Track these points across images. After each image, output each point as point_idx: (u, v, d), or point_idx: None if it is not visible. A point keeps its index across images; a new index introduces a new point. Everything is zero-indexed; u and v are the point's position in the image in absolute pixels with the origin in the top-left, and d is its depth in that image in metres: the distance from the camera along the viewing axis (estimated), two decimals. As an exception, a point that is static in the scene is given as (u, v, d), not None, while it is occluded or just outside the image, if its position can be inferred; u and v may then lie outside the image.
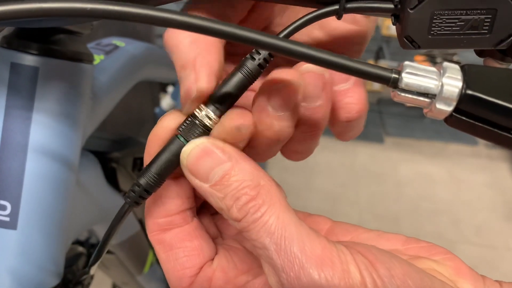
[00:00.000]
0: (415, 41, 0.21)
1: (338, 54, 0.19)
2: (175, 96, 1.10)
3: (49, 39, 0.34)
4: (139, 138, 0.57)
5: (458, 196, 1.90)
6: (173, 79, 0.90)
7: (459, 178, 2.00)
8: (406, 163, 2.07)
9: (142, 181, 0.24)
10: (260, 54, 0.23)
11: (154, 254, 0.77)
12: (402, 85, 0.18)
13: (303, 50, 0.19)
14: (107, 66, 0.45)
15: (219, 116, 0.23)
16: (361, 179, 1.95)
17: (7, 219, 0.33)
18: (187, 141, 0.23)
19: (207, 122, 0.23)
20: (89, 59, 0.37)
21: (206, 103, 0.24)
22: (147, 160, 0.24)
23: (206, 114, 0.23)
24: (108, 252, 0.57)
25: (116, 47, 0.49)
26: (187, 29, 0.19)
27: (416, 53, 2.00)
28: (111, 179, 0.49)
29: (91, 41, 0.54)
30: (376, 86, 2.12)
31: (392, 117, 2.33)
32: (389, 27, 1.89)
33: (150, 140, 0.24)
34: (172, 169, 0.24)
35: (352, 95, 0.24)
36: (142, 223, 0.62)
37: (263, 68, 0.24)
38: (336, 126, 0.26)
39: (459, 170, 2.05)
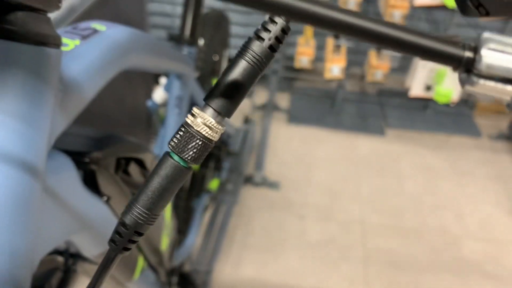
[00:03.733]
0: (483, 5, 0.15)
1: (382, 21, 0.13)
2: (168, 88, 1.03)
3: (4, 17, 0.28)
4: (124, 135, 0.50)
5: (462, 189, 1.85)
6: (164, 69, 0.84)
7: (462, 171, 1.95)
8: (407, 156, 2.02)
9: (128, 219, 0.18)
10: (269, 31, 0.17)
11: (145, 259, 0.71)
12: (482, 67, 0.12)
13: (341, 17, 0.13)
14: (82, 53, 0.38)
15: (221, 123, 0.17)
16: (361, 173, 1.90)
17: (-45, 238, 0.27)
18: (184, 161, 0.17)
19: (206, 132, 0.17)
20: (55, 42, 0.30)
21: (203, 106, 0.17)
22: None
23: (203, 121, 0.17)
24: (92, 262, 0.51)
25: (95, 31, 0.43)
26: None
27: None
28: (91, 182, 0.43)
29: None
30: (378, 76, 2.06)
31: (393, 108, 2.27)
32: (392, 15, 1.81)
33: None
34: (167, 199, 0.18)
35: None
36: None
37: (276, 51, 0.17)
38: None
39: (462, 163, 2.00)
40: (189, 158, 0.18)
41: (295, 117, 2.17)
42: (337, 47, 2.04)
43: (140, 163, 0.52)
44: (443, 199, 1.79)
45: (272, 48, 0.17)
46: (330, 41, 2.06)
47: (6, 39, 0.27)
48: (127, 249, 0.18)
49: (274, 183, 1.77)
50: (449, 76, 1.90)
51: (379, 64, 2.03)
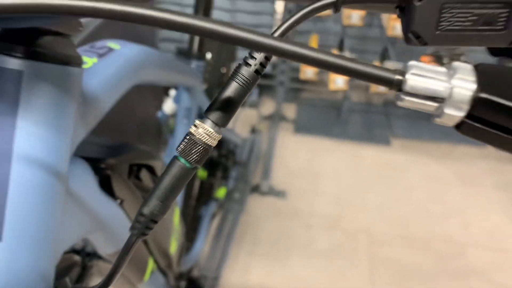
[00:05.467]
0: (421, 36, 0.19)
1: (335, 54, 0.17)
2: (178, 99, 1.08)
3: (34, 41, 0.32)
4: (136, 144, 0.55)
5: (468, 199, 1.86)
6: (173, 83, 0.88)
7: (468, 181, 1.96)
8: (413, 166, 2.03)
9: (146, 210, 0.23)
10: (255, 58, 0.21)
11: (155, 262, 0.75)
12: (407, 88, 0.16)
13: (299, 50, 0.18)
14: (100, 70, 0.43)
15: (219, 132, 0.22)
16: (368, 182, 1.92)
17: (-9, 231, 0.31)
18: (189, 163, 0.22)
19: (206, 140, 0.22)
20: (77, 62, 0.35)
21: (202, 118, 0.22)
22: None
23: (204, 131, 0.22)
24: (105, 261, 0.55)
25: (110, 49, 0.48)
26: (166, 27, 0.17)
27: (423, 54, 1.97)
28: (106, 186, 0.47)
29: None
30: (382, 87, 2.09)
31: (399, 118, 2.29)
32: (394, 27, 1.86)
33: None
34: (176, 193, 0.23)
35: None
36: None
37: (260, 74, 0.22)
38: None
39: (468, 173, 2.01)
40: (193, 160, 0.22)
41: (301, 127, 2.20)
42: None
43: (151, 170, 0.56)
44: (449, 209, 1.80)
45: (258, 72, 0.22)
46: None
47: (36, 60, 0.32)
48: (145, 234, 0.23)
49: (281, 192, 1.80)
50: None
51: (385, 75, 2.06)
